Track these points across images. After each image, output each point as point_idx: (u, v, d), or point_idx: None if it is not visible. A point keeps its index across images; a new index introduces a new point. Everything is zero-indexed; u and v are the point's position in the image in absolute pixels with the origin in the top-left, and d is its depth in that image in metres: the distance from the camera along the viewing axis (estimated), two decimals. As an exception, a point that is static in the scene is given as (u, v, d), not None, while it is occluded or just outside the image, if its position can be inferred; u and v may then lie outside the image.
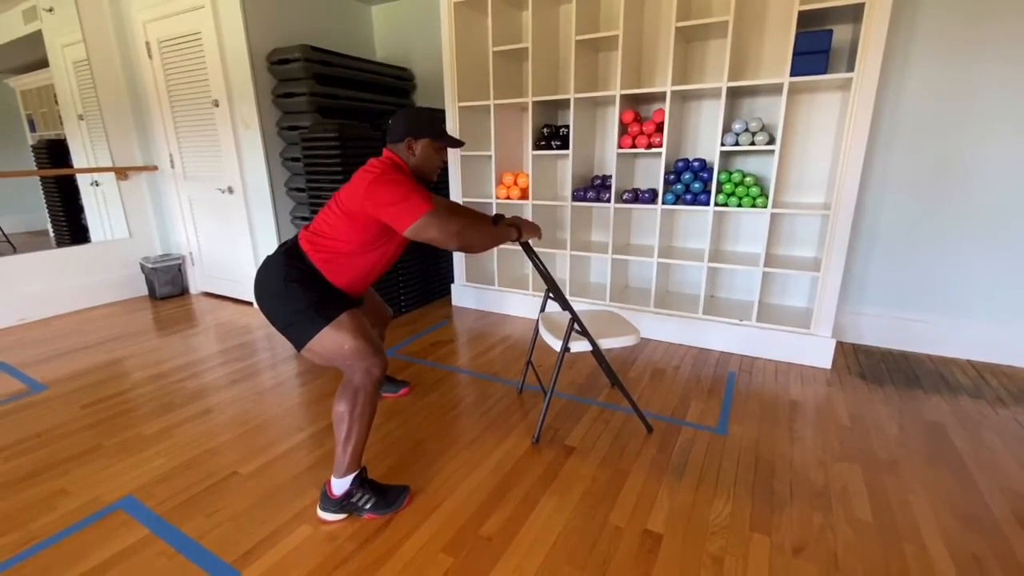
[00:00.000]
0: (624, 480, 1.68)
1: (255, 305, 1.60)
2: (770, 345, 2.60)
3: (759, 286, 2.59)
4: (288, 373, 2.52)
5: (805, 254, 2.76)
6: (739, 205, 2.54)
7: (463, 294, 3.53)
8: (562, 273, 3.23)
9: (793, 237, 2.78)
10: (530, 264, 3.19)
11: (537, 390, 2.29)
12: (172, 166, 3.69)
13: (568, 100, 2.86)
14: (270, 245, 3.35)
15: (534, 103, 2.94)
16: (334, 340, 1.45)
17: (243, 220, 3.40)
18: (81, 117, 3.84)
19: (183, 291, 3.95)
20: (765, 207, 2.48)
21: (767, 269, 2.54)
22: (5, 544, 1.44)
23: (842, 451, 1.83)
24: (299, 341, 1.48)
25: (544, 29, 2.93)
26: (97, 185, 3.97)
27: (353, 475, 1.50)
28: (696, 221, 3.00)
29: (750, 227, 2.87)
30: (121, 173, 3.67)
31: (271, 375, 2.51)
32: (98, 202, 4.01)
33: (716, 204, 2.58)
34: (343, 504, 1.51)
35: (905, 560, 1.35)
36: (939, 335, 2.60)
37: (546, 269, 1.87)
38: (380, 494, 1.54)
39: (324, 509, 1.52)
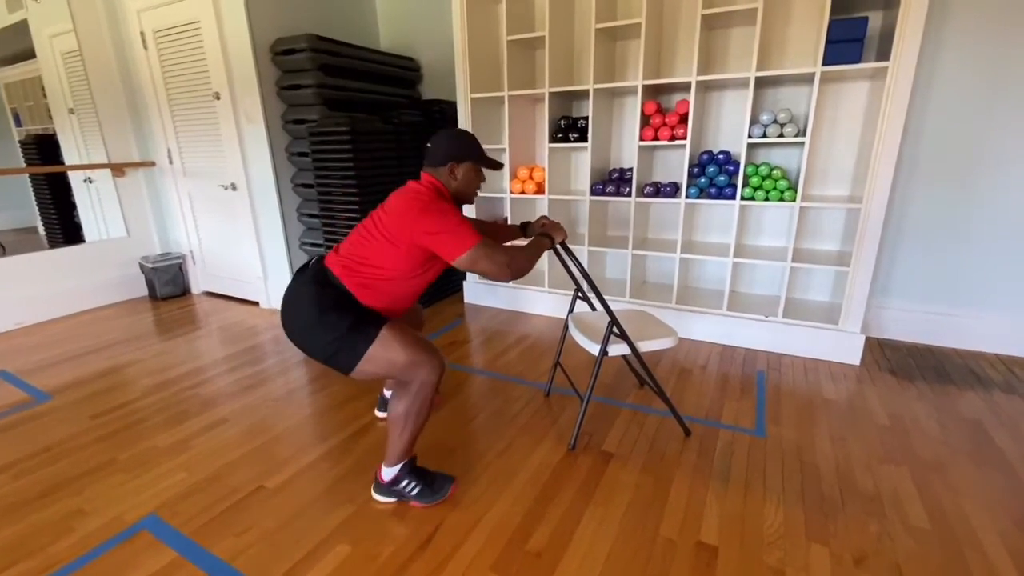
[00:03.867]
0: (669, 488, 1.63)
1: (284, 331, 1.55)
2: (797, 341, 2.56)
3: (786, 281, 2.54)
4: (304, 378, 2.44)
5: (829, 248, 2.71)
6: (766, 199, 2.48)
7: (476, 291, 3.45)
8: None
9: (817, 231, 2.73)
10: (545, 261, 3.12)
11: (565, 393, 2.23)
12: (171, 162, 3.56)
13: (586, 91, 2.77)
14: (276, 242, 3.25)
15: (549, 94, 2.84)
16: (383, 357, 1.41)
17: (248, 217, 3.28)
18: (72, 111, 3.68)
19: (184, 291, 3.83)
20: (793, 200, 2.42)
21: (795, 264, 2.49)
22: (25, 571, 1.35)
23: (886, 453, 1.79)
24: (346, 367, 1.43)
25: (559, 17, 2.82)
26: (91, 182, 3.82)
27: (402, 464, 1.54)
28: (716, 215, 2.93)
29: (772, 221, 2.81)
30: (117, 169, 3.53)
31: (286, 380, 2.42)
32: (92, 200, 3.86)
33: (742, 198, 2.52)
34: (391, 489, 1.57)
35: (969, 570, 1.31)
36: (966, 328, 2.57)
37: (584, 269, 1.79)
38: (426, 482, 1.57)
39: (376, 492, 1.60)
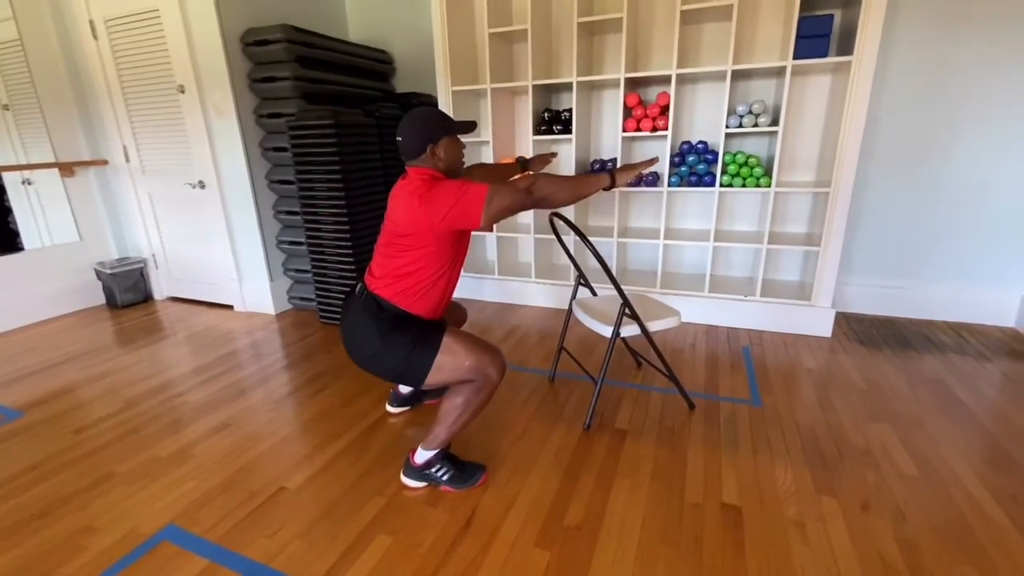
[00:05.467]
0: (685, 457, 1.72)
1: (349, 353, 1.56)
2: (774, 318, 2.73)
3: (763, 263, 2.71)
4: (301, 378, 2.38)
5: (797, 230, 2.91)
6: (743, 185, 2.63)
7: (461, 286, 3.44)
8: (566, 260, 3.23)
9: (786, 214, 2.91)
10: (532, 252, 3.16)
11: (568, 377, 2.29)
12: (127, 160, 3.33)
13: (567, 84, 2.83)
14: (252, 242, 3.12)
15: (533, 87, 2.88)
16: (450, 364, 1.43)
17: (219, 217, 3.13)
18: (6, 107, 3.38)
19: (147, 298, 3.60)
20: (768, 186, 2.58)
21: (770, 246, 2.66)
22: (42, 594, 1.27)
23: (868, 412, 1.96)
24: (417, 380, 1.47)
25: (539, 10, 2.86)
26: (29, 184, 3.52)
27: (439, 449, 1.57)
28: (691, 202, 3.08)
29: (744, 206, 2.98)
30: (66, 169, 3.27)
31: (282, 381, 2.36)
32: (31, 203, 3.56)
33: (721, 185, 2.66)
34: (423, 473, 1.58)
35: (958, 507, 1.47)
36: (918, 300, 2.84)
37: (599, 254, 1.83)
38: (458, 468, 1.59)
39: (407, 475, 1.61)
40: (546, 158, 2.04)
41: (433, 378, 1.45)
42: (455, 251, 1.51)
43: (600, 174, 1.55)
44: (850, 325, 2.81)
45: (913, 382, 2.18)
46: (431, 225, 1.40)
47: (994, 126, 2.51)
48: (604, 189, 1.56)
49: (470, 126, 1.55)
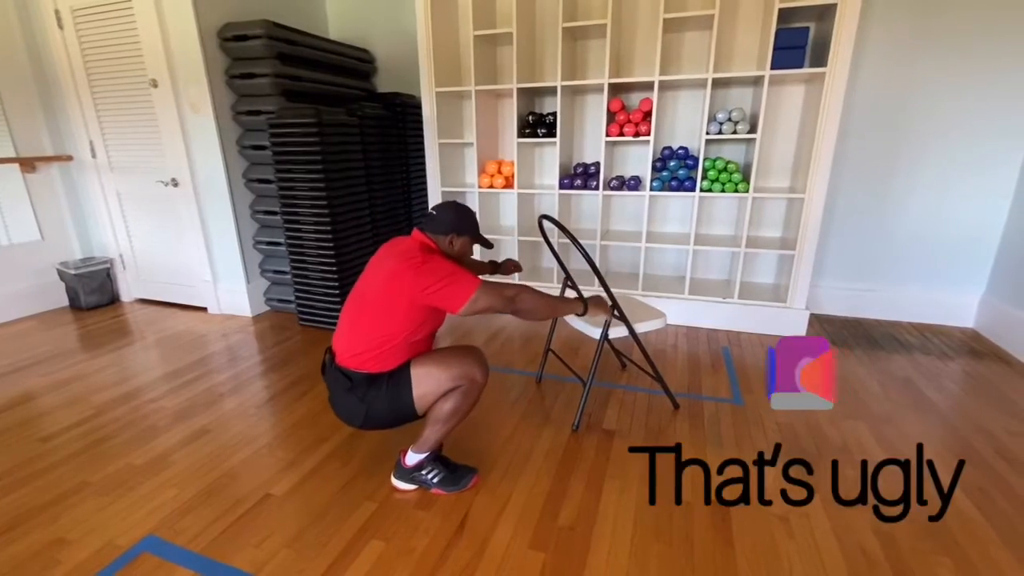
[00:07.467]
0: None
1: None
2: (751, 320, 2.81)
3: (740, 266, 2.78)
4: (282, 382, 2.32)
5: (772, 234, 3.00)
6: (722, 190, 2.70)
7: (442, 287, 3.43)
8: (549, 262, 3.25)
9: (761, 219, 3.00)
10: (516, 255, 3.17)
11: (555, 378, 2.30)
12: (93, 155, 3.20)
13: (551, 87, 2.86)
14: (228, 243, 3.03)
15: (513, 90, 2.89)
16: (432, 385, 1.44)
17: (193, 216, 3.04)
18: (-39, 98, 3.20)
19: (113, 299, 3.46)
20: (746, 192, 2.66)
21: (748, 250, 2.74)
22: (14, 612, 1.21)
23: (843, 410, 2.03)
24: (411, 415, 1.49)
25: (524, 14, 2.87)
26: (-15, 179, 3.35)
27: (429, 451, 1.56)
28: (671, 206, 3.14)
29: (722, 210, 3.06)
30: (27, 164, 3.11)
31: (262, 385, 2.30)
32: (-14, 199, 3.38)
33: (701, 190, 2.73)
34: (413, 475, 1.58)
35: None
36: (885, 302, 2.97)
37: (591, 258, 1.84)
38: (450, 470, 1.60)
39: (397, 477, 1.61)
40: (517, 264, 1.99)
41: (422, 404, 1.46)
42: (422, 320, 1.46)
43: (575, 301, 1.67)
44: (822, 326, 2.91)
45: (883, 380, 2.28)
46: (412, 295, 1.38)
47: (955, 138, 2.65)
48: (577, 315, 1.69)
49: (488, 244, 1.66)
